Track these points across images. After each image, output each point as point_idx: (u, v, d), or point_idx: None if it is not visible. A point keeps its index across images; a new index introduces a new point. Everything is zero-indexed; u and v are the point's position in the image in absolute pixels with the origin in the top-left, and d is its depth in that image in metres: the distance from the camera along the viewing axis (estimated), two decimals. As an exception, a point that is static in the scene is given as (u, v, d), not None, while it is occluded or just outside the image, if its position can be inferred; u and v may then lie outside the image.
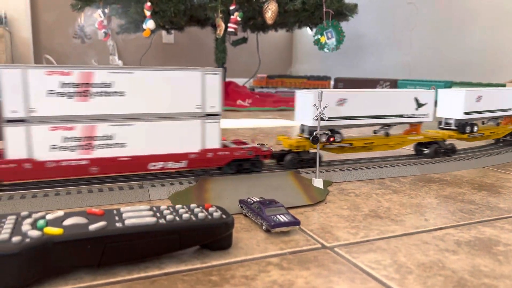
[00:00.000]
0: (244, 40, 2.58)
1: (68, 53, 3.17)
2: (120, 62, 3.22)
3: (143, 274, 0.38)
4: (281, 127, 1.40)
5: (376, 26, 3.11)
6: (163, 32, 3.34)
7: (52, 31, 3.12)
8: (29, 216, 0.40)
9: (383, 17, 3.07)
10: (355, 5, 2.21)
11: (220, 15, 1.86)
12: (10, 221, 0.38)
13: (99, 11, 1.86)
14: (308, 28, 2.61)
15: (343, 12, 2.12)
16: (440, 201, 0.63)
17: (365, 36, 3.19)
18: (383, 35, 3.09)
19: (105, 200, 0.58)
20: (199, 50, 3.50)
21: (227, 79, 2.52)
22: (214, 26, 2.46)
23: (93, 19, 2.14)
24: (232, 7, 1.77)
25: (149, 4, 1.77)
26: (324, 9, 2.03)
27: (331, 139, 0.68)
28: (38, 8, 3.08)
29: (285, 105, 2.09)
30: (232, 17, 1.78)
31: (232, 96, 2.37)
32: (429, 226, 0.52)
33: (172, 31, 2.94)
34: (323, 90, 0.64)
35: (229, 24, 1.80)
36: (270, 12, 1.89)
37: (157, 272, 0.39)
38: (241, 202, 0.55)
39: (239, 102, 2.07)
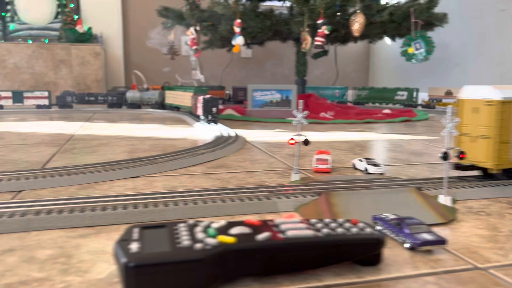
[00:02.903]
0: (325, 52, 2.58)
1: (153, 69, 3.38)
2: (202, 77, 3.36)
3: (305, 285, 0.40)
4: (374, 140, 1.38)
5: (463, 36, 2.97)
6: (242, 47, 3.44)
7: (140, 48, 3.34)
8: (196, 224, 0.43)
9: (470, 26, 2.92)
10: (444, 15, 2.13)
11: (307, 29, 1.88)
12: (183, 229, 0.41)
13: (192, 29, 1.97)
14: (387, 39, 2.55)
15: (432, 22, 2.06)
16: None
17: (450, 46, 3.05)
18: (470, 45, 2.94)
19: (238, 210, 0.60)
20: (276, 64, 3.56)
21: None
22: (296, 40, 2.49)
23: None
24: (320, 21, 1.78)
25: (239, 21, 1.83)
26: (413, 20, 1.99)
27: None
28: (129, 27, 3.32)
29: (370, 117, 2.06)
30: (319, 30, 1.80)
31: (313, 109, 2.37)
32: None
33: (252, 46, 3.02)
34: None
35: (316, 38, 1.81)
36: (358, 24, 1.88)
37: (317, 284, 0.40)
38: (376, 218, 0.55)
39: (322, 114, 2.07)
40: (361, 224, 0.45)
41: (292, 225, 0.43)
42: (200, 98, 1.79)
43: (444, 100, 2.93)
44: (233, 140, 1.21)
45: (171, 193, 0.65)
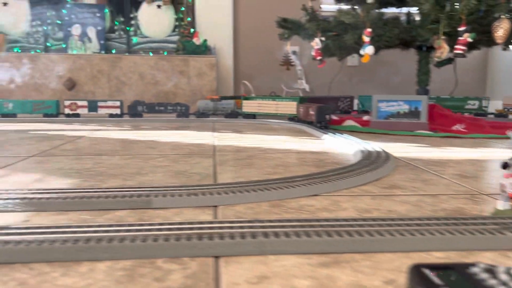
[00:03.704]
0: (449, 61, 2.40)
1: (260, 78, 3.43)
2: (307, 86, 3.34)
3: None
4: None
5: None
6: (349, 56, 3.36)
7: (250, 58, 3.42)
8: (490, 269, 0.38)
9: None
10: None
11: (443, 37, 1.76)
12: (484, 275, 0.36)
13: (317, 39, 1.94)
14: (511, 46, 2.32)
15: None
16: None
17: None
18: None
19: (471, 244, 0.54)
20: (384, 72, 3.43)
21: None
22: (419, 48, 2.36)
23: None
24: (461, 28, 1.65)
25: (369, 30, 1.77)
26: None
27: None
28: (239, 37, 3.41)
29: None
30: (460, 38, 1.67)
31: (439, 121, 2.22)
32: None
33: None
34: None
35: (457, 46, 1.68)
36: (502, 30, 1.71)
37: None
38: None
39: (455, 127, 1.92)
40: None
41: None
42: (314, 106, 1.85)
43: None
44: (386, 156, 1.15)
45: (380, 219, 0.61)
